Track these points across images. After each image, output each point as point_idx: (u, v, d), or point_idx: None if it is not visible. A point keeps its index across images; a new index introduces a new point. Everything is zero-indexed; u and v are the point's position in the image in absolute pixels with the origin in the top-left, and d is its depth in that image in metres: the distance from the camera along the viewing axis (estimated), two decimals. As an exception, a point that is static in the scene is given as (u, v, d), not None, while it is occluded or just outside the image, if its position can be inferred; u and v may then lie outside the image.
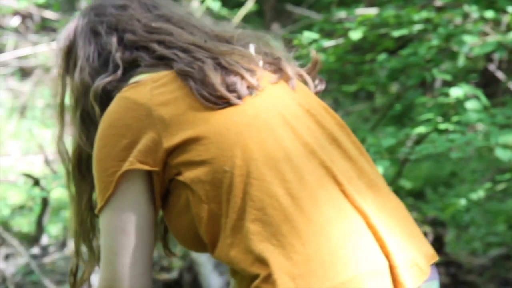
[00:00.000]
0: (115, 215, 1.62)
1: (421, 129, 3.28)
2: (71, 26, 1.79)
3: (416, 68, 3.72)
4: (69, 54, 1.77)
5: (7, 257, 4.58)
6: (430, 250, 1.66)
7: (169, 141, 1.60)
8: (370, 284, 1.53)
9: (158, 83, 1.65)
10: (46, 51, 6.20)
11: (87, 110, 1.72)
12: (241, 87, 1.64)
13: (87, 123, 1.73)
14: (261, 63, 1.71)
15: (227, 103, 1.62)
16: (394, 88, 5.21)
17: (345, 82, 4.56)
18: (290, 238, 1.53)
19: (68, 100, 1.77)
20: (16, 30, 7.04)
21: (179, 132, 1.60)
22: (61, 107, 1.78)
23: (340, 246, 1.54)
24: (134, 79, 1.68)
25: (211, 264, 4.45)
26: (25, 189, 5.18)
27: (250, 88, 1.65)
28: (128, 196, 1.62)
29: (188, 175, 1.59)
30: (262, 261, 1.52)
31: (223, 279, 4.37)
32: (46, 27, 6.99)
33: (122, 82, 1.69)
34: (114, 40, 1.73)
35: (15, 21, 6.95)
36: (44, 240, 4.91)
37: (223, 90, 1.63)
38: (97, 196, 1.64)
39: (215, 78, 1.64)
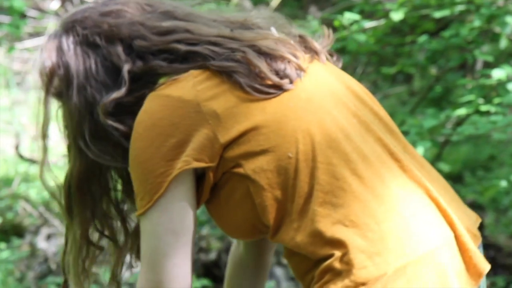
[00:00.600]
0: (164, 216, 1.58)
1: (462, 111, 3.27)
2: (49, 47, 1.67)
3: (457, 50, 3.71)
4: (53, 76, 1.66)
5: (48, 237, 4.64)
6: (474, 215, 1.70)
7: (225, 136, 1.57)
8: (443, 255, 1.56)
9: (198, 78, 1.60)
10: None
11: (98, 126, 1.64)
12: (291, 71, 1.61)
13: (101, 138, 1.65)
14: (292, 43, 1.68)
15: (280, 90, 1.60)
16: (432, 70, 5.18)
17: (384, 65, 4.54)
18: (363, 218, 1.54)
19: (61, 125, 1.68)
20: (56, 14, 7.09)
21: (235, 125, 1.57)
22: (44, 134, 1.69)
23: (412, 222, 1.56)
24: (163, 80, 1.63)
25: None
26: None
27: (298, 70, 1.63)
28: (177, 196, 1.59)
29: (249, 166, 1.57)
30: (334, 242, 1.54)
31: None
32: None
33: (137, 92, 1.63)
34: (119, 49, 1.64)
35: (55, 5, 7.00)
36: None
37: (275, 78, 1.59)
38: (140, 198, 1.59)
39: (263, 67, 1.60)
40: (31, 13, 6.52)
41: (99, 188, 1.70)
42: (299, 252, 1.58)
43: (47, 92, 1.66)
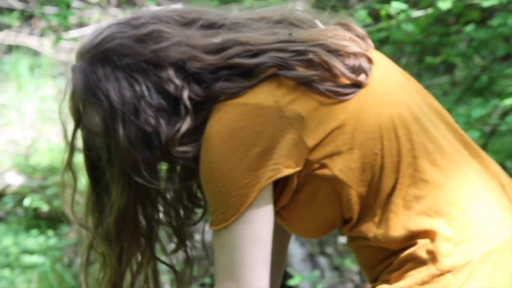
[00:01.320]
0: (250, 227, 1.54)
1: (510, 101, 3.26)
2: (76, 82, 1.54)
3: (503, 39, 3.69)
4: (91, 111, 1.54)
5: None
6: None
7: (312, 139, 1.53)
8: None
9: (272, 84, 1.54)
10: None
11: (155, 154, 1.55)
12: (365, 65, 1.58)
13: (157, 165, 1.58)
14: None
15: (359, 87, 1.56)
16: (478, 60, 5.15)
17: (427, 55, 4.53)
18: (447, 207, 1.55)
19: (103, 159, 1.57)
20: (99, 4, 7.15)
21: (320, 127, 1.53)
22: (70, 168, 1.62)
23: (493, 210, 1.57)
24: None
25: (292, 237, 4.51)
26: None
27: (369, 63, 1.59)
28: (262, 206, 1.54)
29: (335, 166, 1.54)
30: (419, 233, 1.55)
31: (305, 250, 4.42)
32: (128, 1, 7.09)
33: (202, 113, 1.55)
34: (170, 74, 1.54)
35: (98, -5, 7.07)
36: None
37: (352, 76, 1.56)
38: (221, 212, 1.53)
39: (339, 66, 1.56)
40: (76, 4, 6.60)
41: (149, 216, 1.64)
42: (371, 245, 1.60)
43: (77, 126, 1.57)
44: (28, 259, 4.80)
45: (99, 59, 1.55)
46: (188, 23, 1.58)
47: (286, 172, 1.52)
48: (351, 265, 4.15)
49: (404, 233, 1.57)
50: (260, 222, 1.54)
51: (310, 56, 1.54)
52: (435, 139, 1.59)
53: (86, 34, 1.69)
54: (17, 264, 4.80)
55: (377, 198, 1.58)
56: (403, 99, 1.60)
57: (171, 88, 1.53)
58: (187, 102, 1.53)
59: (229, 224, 1.52)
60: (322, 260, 4.32)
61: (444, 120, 1.65)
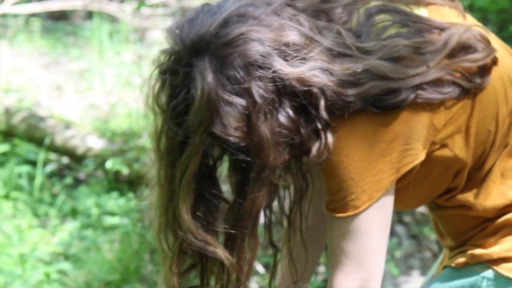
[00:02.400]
0: (381, 213, 1.54)
1: None
2: (208, 81, 1.44)
3: None
4: (210, 115, 1.45)
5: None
6: None
7: (441, 120, 1.54)
8: None
9: None
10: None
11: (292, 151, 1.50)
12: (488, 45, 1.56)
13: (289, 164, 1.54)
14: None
15: (488, 72, 1.56)
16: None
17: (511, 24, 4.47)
18: None
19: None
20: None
21: (446, 106, 1.53)
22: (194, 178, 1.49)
23: None
24: None
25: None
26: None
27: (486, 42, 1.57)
28: (391, 190, 1.55)
29: (455, 145, 1.55)
30: None
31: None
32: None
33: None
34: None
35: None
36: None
37: (487, 60, 1.54)
38: (353, 198, 1.52)
39: (472, 65, 1.53)
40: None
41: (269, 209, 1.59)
42: (466, 213, 1.63)
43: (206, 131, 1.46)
44: (109, 220, 4.89)
45: (235, 58, 1.45)
46: (323, 28, 1.50)
47: (422, 157, 1.51)
48: (429, 234, 4.14)
49: (503, 202, 1.59)
50: (388, 207, 1.55)
51: (448, 78, 1.51)
52: None
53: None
54: (99, 224, 4.90)
55: (481, 170, 1.60)
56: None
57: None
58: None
59: (360, 211, 1.52)
60: (400, 229, 4.32)
61: None
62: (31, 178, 5.33)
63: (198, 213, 1.50)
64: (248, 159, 1.46)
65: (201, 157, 1.47)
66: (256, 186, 1.47)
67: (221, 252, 1.50)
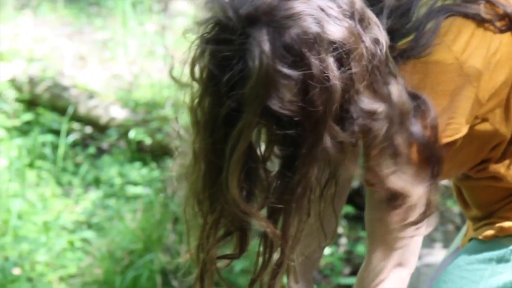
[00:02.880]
0: None
1: None
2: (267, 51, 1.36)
3: None
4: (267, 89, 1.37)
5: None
6: None
7: (485, 94, 1.51)
8: None
9: (449, 37, 1.50)
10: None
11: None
12: None
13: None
14: None
15: None
16: None
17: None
18: None
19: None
20: None
21: (490, 82, 1.52)
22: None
23: None
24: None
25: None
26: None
27: None
28: None
29: (496, 119, 1.55)
30: None
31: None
32: None
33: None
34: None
35: None
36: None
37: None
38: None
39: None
40: None
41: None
42: (496, 184, 1.62)
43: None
44: (132, 189, 4.92)
45: (294, 31, 1.38)
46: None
47: (464, 131, 1.50)
48: (452, 206, 4.14)
49: None
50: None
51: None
52: None
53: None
54: (122, 194, 4.93)
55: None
56: None
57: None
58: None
59: None
60: (422, 201, 4.32)
61: None
62: (54, 147, 5.37)
63: (244, 186, 1.45)
64: (301, 133, 1.41)
65: (253, 131, 1.42)
66: (308, 160, 1.42)
67: (266, 225, 1.46)
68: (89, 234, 4.41)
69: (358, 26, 1.39)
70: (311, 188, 1.46)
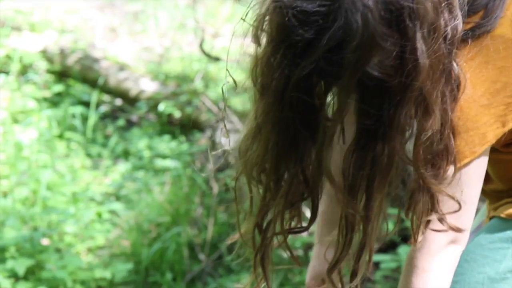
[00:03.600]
0: (481, 165, 1.50)
1: None
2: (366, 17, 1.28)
3: None
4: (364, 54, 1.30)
5: (226, 133, 4.79)
6: None
7: None
8: None
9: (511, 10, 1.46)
10: None
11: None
12: None
13: None
14: None
15: None
16: None
17: None
18: None
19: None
20: None
21: None
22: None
23: None
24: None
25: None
26: (242, 68, 5.35)
27: None
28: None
29: None
30: None
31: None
32: None
33: None
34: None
35: None
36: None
37: None
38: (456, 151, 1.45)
39: None
40: None
41: None
42: None
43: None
44: (160, 162, 4.93)
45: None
46: None
47: None
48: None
49: None
50: (486, 161, 1.52)
51: None
52: None
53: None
54: (150, 167, 4.94)
55: None
56: None
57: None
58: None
59: (462, 165, 1.47)
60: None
61: None
62: (84, 119, 5.39)
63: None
64: (388, 99, 1.34)
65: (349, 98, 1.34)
66: (394, 127, 1.35)
67: (349, 201, 1.41)
68: (117, 206, 4.43)
69: (444, 5, 1.35)
70: (396, 160, 1.39)
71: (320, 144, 1.38)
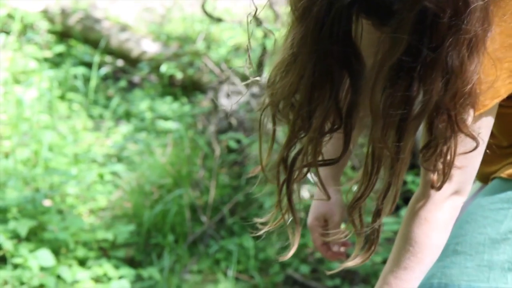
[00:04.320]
0: (489, 119, 1.51)
1: None
2: None
3: None
4: None
5: (229, 94, 4.77)
6: None
7: None
8: None
9: None
10: None
11: None
12: None
13: None
14: None
15: None
16: None
17: None
18: None
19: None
20: None
21: None
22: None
23: None
24: None
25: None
26: (244, 29, 5.30)
27: None
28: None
29: None
30: None
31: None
32: None
33: None
34: None
35: None
36: (264, 80, 5.05)
37: None
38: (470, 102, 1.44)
39: None
40: None
41: None
42: None
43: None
44: (162, 124, 4.92)
45: None
46: None
47: None
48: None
49: None
50: (494, 115, 1.52)
51: None
52: None
53: None
54: (152, 128, 4.93)
55: None
56: None
57: None
58: None
59: (478, 116, 1.47)
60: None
61: None
62: (86, 80, 5.37)
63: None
64: (438, 32, 1.32)
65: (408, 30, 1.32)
66: (436, 65, 1.34)
67: (381, 136, 1.39)
68: (119, 167, 4.43)
69: None
70: (431, 103, 1.37)
71: (358, 75, 1.37)
